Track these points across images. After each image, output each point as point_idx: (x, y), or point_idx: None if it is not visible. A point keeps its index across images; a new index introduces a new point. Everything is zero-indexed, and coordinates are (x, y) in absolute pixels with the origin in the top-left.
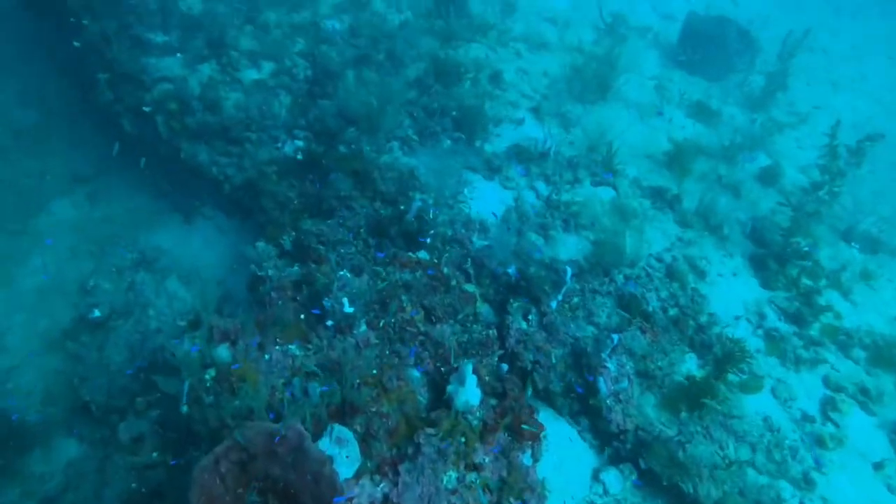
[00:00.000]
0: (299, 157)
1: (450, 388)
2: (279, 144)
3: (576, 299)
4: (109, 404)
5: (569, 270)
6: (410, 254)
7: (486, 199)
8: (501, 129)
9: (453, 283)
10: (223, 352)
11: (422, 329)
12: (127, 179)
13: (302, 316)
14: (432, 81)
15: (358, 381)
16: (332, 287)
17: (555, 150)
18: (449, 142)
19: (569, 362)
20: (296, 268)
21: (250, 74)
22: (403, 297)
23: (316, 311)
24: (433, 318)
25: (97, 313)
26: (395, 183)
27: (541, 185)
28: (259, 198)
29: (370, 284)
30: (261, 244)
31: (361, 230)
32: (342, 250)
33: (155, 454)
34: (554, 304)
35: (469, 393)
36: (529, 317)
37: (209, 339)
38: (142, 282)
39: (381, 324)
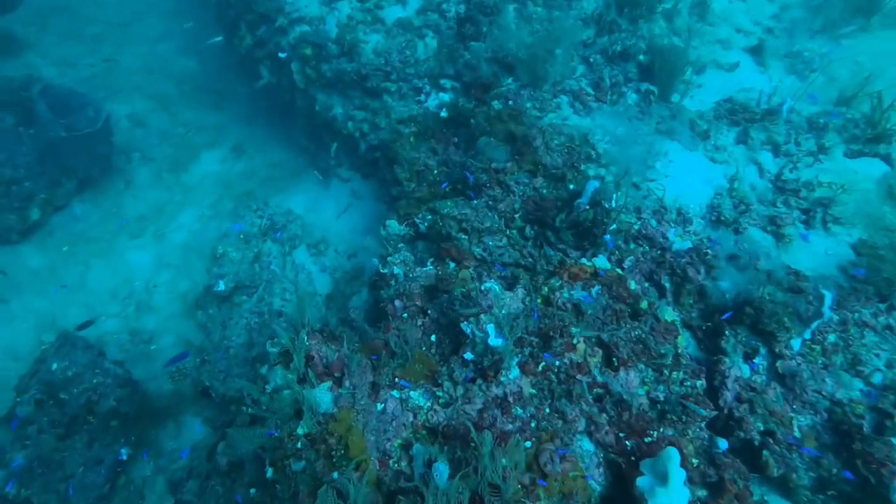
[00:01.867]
0: (443, 113)
1: (641, 482)
2: (421, 97)
3: (832, 337)
4: (226, 395)
5: (828, 296)
6: (584, 260)
7: (686, 178)
8: (707, 78)
9: (643, 304)
10: (323, 395)
11: (599, 378)
12: (270, 132)
13: (433, 338)
14: (614, 15)
15: (504, 463)
16: (475, 303)
17: (788, 105)
18: (635, 96)
19: (823, 438)
20: (429, 266)
21: (394, 12)
22: (574, 330)
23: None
24: (615, 359)
25: (222, 286)
26: (562, 153)
27: (766, 157)
28: (393, 165)
29: (526, 303)
30: (392, 223)
31: (517, 217)
32: (490, 242)
33: (253, 491)
34: (797, 344)
35: (674, 496)
36: (756, 360)
37: (303, 374)
38: (268, 253)
39: (539, 367)
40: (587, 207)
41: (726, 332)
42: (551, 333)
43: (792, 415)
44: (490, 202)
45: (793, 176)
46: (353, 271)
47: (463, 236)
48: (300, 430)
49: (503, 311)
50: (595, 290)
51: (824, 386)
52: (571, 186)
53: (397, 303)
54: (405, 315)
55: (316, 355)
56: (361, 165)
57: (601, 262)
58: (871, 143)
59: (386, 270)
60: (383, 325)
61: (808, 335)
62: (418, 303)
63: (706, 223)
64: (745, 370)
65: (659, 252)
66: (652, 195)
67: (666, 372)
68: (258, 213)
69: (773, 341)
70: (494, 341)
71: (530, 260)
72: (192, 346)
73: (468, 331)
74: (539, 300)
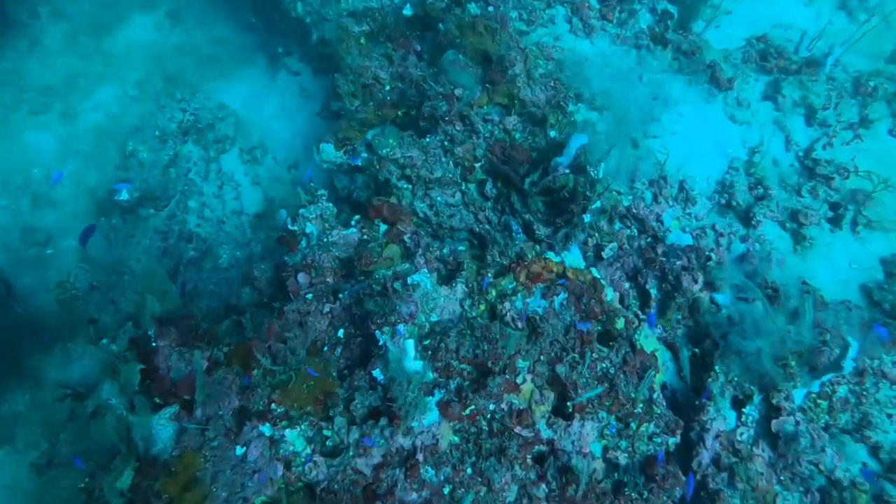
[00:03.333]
0: (407, 10)
1: None
2: None
3: (843, 390)
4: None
5: (853, 346)
6: (551, 254)
7: (697, 140)
8: (739, 4)
9: (619, 323)
10: (161, 429)
11: (544, 433)
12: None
13: (341, 333)
14: None
15: None
16: (399, 299)
17: (835, 57)
18: (649, 17)
19: None
20: (353, 229)
21: None
22: (522, 363)
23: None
24: (570, 404)
25: (125, 195)
26: (547, 87)
27: (797, 124)
28: (336, 73)
29: (465, 308)
30: (328, 147)
31: (478, 166)
32: (439, 198)
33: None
34: (801, 395)
35: None
36: (746, 409)
37: (134, 395)
38: (188, 157)
39: (467, 409)
40: (567, 171)
41: (716, 369)
42: (490, 364)
43: (778, 489)
44: (447, 142)
45: (826, 155)
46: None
47: (405, 185)
48: (119, 484)
49: (433, 316)
50: (559, 299)
51: (823, 457)
52: (553, 134)
53: (301, 277)
54: (309, 296)
55: (163, 363)
56: (313, 59)
57: (573, 258)
58: None
59: (296, 227)
60: (276, 312)
61: (816, 387)
62: (329, 279)
63: (713, 206)
64: (731, 419)
65: (649, 241)
66: (651, 157)
67: (633, 424)
68: (181, 105)
69: (771, 389)
70: (412, 364)
71: (486, 228)
72: (91, 261)
73: (382, 341)
74: (483, 306)
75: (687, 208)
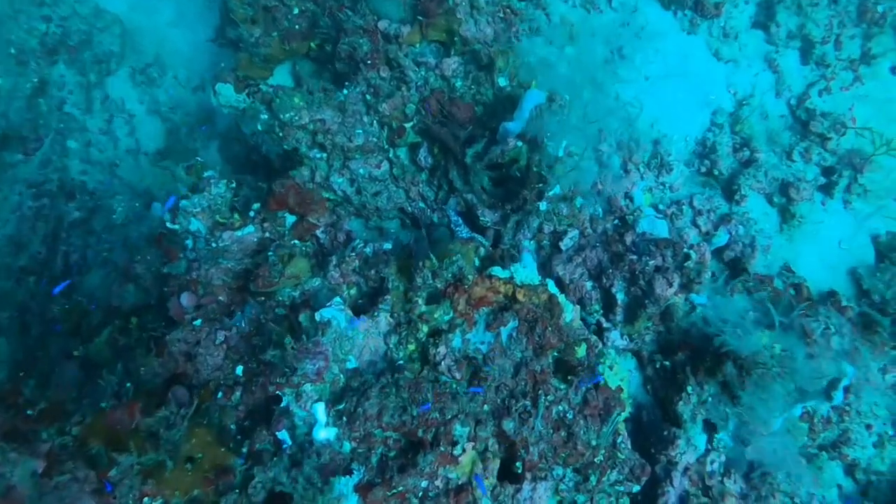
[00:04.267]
0: None
1: None
2: None
3: (825, 408)
4: None
5: (849, 373)
6: (497, 269)
7: (676, 85)
8: None
9: (580, 352)
10: None
11: None
12: None
13: (239, 370)
14: None
15: None
16: (299, 363)
17: None
18: None
19: None
20: (250, 228)
21: None
22: (459, 429)
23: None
24: (520, 463)
25: None
26: (495, 19)
27: (790, 61)
28: None
29: (391, 348)
30: (225, 88)
31: (409, 127)
32: (361, 170)
33: None
34: (780, 422)
35: None
36: (719, 435)
37: None
38: (60, 84)
39: (393, 490)
40: (518, 143)
41: (688, 390)
42: (422, 434)
43: None
44: (369, 95)
45: (822, 104)
46: (200, 112)
47: (318, 154)
48: None
49: (349, 361)
50: (508, 329)
51: (798, 487)
52: (502, 82)
53: (185, 299)
54: (198, 322)
55: None
56: None
57: (525, 273)
58: None
59: (176, 226)
60: (153, 349)
61: (798, 411)
62: (222, 297)
63: (691, 174)
64: (701, 444)
65: (616, 224)
66: (621, 110)
67: (594, 478)
68: (42, 13)
69: (749, 407)
70: (322, 434)
71: (420, 207)
72: None
73: (285, 403)
74: (413, 346)
75: (661, 176)
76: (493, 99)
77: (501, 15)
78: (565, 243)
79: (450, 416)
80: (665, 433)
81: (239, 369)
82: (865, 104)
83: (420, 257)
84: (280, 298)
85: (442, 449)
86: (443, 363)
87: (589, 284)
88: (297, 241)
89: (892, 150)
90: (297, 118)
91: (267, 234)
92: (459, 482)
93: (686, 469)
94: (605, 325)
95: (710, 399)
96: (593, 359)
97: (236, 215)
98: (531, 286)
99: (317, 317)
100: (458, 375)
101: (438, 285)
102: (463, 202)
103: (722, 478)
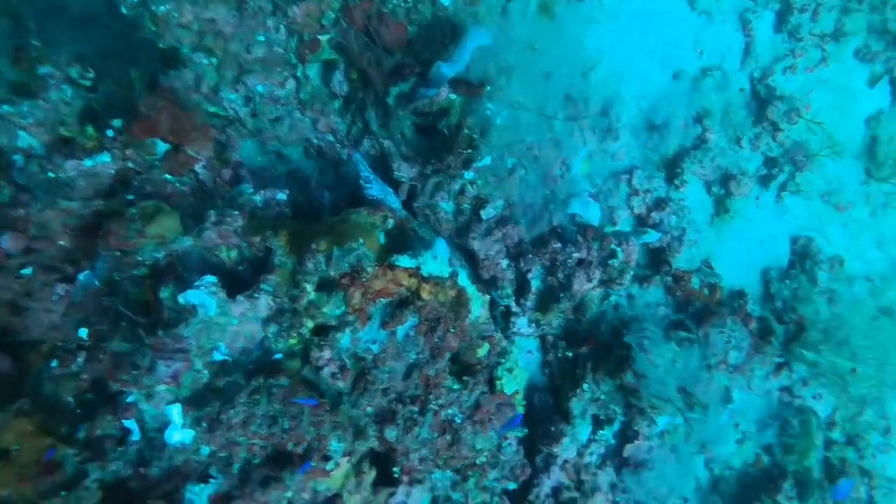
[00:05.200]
0: None
1: None
2: None
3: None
4: None
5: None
6: (404, 259)
7: (643, 32)
8: None
9: (482, 351)
10: None
11: None
12: None
13: (83, 333)
14: None
15: None
16: (153, 363)
17: None
18: None
19: None
20: (105, 155)
21: None
22: (336, 445)
23: None
24: (398, 469)
25: None
26: None
27: (765, 25)
28: None
29: (270, 337)
30: None
31: (325, 40)
32: (259, 88)
33: None
34: (665, 421)
35: None
36: (604, 430)
37: None
38: None
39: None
40: (451, 96)
41: (584, 387)
42: (292, 447)
43: None
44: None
45: (784, 83)
46: None
47: (203, 60)
48: None
49: (216, 352)
50: (406, 327)
51: (661, 484)
52: (445, 1)
53: (8, 240)
54: (28, 270)
55: None
56: None
57: (434, 266)
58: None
59: None
60: None
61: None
62: (63, 242)
63: (639, 146)
64: (584, 436)
65: (544, 198)
66: (577, 54)
67: (473, 479)
68: None
69: (637, 414)
70: (176, 437)
71: (328, 140)
72: None
73: (132, 399)
74: (295, 339)
75: (605, 142)
76: (431, 19)
77: None
78: (487, 212)
79: (325, 431)
80: (553, 429)
81: (83, 331)
82: (824, 90)
83: (315, 235)
84: (140, 258)
85: (314, 463)
86: (326, 369)
87: (505, 263)
88: (168, 176)
89: (833, 153)
90: (175, 14)
91: (130, 165)
92: (329, 494)
93: (565, 462)
94: (514, 309)
95: (603, 397)
96: (493, 359)
97: (89, 129)
98: (439, 280)
99: (181, 299)
100: (341, 385)
101: (332, 273)
102: (378, 147)
103: (597, 470)
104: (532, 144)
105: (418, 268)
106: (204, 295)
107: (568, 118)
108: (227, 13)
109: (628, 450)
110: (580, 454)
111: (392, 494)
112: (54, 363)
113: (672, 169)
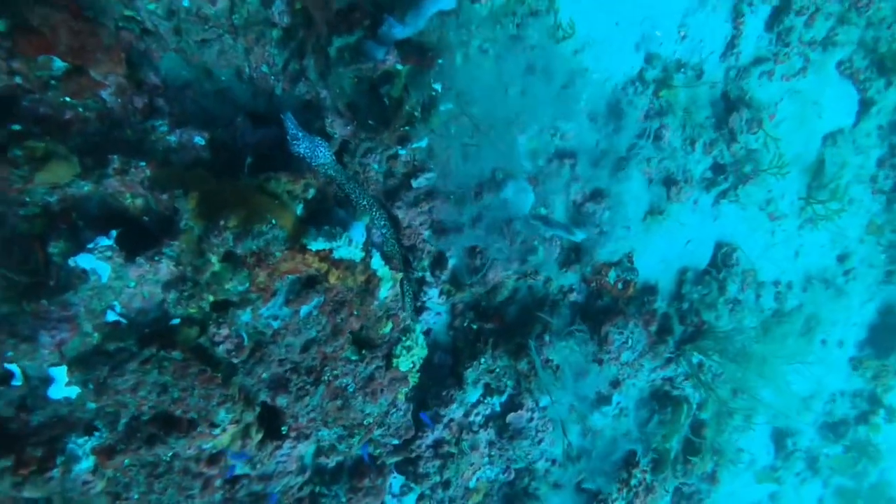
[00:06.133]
0: None
1: None
2: None
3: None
4: None
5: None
6: (318, 241)
7: (624, 6)
8: None
9: (384, 329)
10: None
11: (239, 469)
12: None
13: None
14: None
15: None
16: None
17: None
18: None
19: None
20: None
21: None
22: (224, 414)
23: None
24: (284, 427)
25: None
26: None
27: (758, 18)
28: None
29: (170, 302)
30: None
31: None
32: (185, 2)
33: None
34: (546, 402)
35: None
36: (490, 399)
37: None
38: None
39: (139, 458)
40: (398, 66)
41: (481, 360)
42: (180, 414)
43: (485, 462)
44: None
45: (757, 89)
46: None
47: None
48: None
49: (112, 311)
50: (310, 306)
51: (533, 448)
52: None
53: None
54: None
55: None
56: None
57: (347, 251)
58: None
59: None
60: None
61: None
62: None
63: (593, 130)
64: (473, 399)
65: (479, 174)
66: (542, 24)
67: (358, 436)
68: None
69: (525, 392)
70: (60, 394)
71: (262, 71)
72: None
73: (10, 354)
74: (194, 311)
75: (558, 121)
76: None
77: None
78: (418, 182)
79: (215, 403)
80: (444, 393)
81: None
82: (794, 101)
83: (227, 205)
84: (29, 199)
85: (201, 429)
86: (222, 346)
87: (427, 234)
88: (68, 98)
89: (780, 172)
90: None
91: (18, 82)
92: (214, 452)
93: (450, 421)
94: (428, 279)
95: (498, 370)
96: (395, 335)
97: None
98: (350, 264)
99: (71, 262)
100: (236, 360)
101: (239, 252)
102: (314, 94)
103: (479, 429)
104: (479, 121)
105: (331, 251)
106: (97, 259)
107: (524, 93)
108: None
109: (511, 417)
110: (466, 414)
111: (278, 447)
112: None
113: (619, 161)
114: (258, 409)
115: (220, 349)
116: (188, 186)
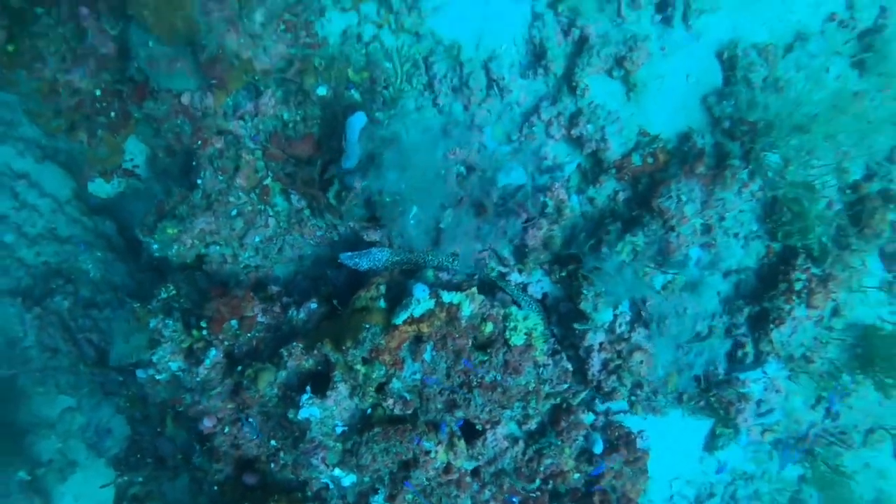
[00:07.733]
0: None
1: None
2: None
3: (694, 252)
4: None
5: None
6: (401, 314)
7: None
8: None
9: (488, 328)
10: None
11: (466, 465)
12: None
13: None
14: None
15: None
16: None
17: None
18: None
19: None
20: (213, 350)
21: None
22: (429, 444)
23: None
24: (478, 425)
25: None
26: (277, 31)
27: None
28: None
29: (357, 403)
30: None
31: (269, 183)
32: (256, 238)
33: None
34: (660, 281)
35: None
36: (619, 310)
37: None
38: None
39: (409, 493)
40: (360, 190)
41: (584, 292)
42: (407, 458)
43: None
44: (221, 174)
45: None
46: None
47: (216, 250)
48: None
49: (337, 429)
50: (428, 350)
51: (684, 320)
52: (322, 91)
53: (207, 422)
54: (226, 430)
55: None
56: None
57: (420, 307)
58: None
59: (163, 376)
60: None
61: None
62: (231, 405)
63: (532, 77)
64: (607, 318)
65: (480, 179)
66: (437, 48)
67: (533, 401)
68: None
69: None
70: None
71: (318, 235)
72: None
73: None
74: (371, 399)
75: (505, 98)
76: (321, 113)
77: (283, 27)
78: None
79: (416, 440)
80: (577, 330)
81: (273, 441)
82: None
83: (342, 334)
84: (266, 395)
85: (423, 460)
86: (396, 408)
87: (479, 247)
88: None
89: None
90: (182, 246)
91: (226, 344)
92: (445, 463)
93: (601, 344)
94: (503, 270)
95: (603, 290)
96: (501, 326)
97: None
98: (429, 313)
99: (300, 416)
100: (409, 411)
101: (364, 356)
102: (349, 228)
103: (629, 334)
104: (446, 151)
105: (410, 315)
106: (309, 407)
107: (464, 105)
108: (207, 220)
109: (645, 309)
110: (611, 330)
111: (483, 441)
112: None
113: (570, 81)
114: (448, 428)
115: (396, 410)
116: (322, 339)
